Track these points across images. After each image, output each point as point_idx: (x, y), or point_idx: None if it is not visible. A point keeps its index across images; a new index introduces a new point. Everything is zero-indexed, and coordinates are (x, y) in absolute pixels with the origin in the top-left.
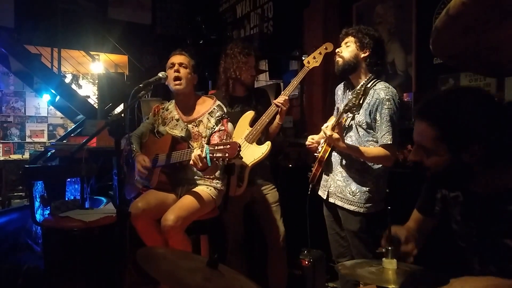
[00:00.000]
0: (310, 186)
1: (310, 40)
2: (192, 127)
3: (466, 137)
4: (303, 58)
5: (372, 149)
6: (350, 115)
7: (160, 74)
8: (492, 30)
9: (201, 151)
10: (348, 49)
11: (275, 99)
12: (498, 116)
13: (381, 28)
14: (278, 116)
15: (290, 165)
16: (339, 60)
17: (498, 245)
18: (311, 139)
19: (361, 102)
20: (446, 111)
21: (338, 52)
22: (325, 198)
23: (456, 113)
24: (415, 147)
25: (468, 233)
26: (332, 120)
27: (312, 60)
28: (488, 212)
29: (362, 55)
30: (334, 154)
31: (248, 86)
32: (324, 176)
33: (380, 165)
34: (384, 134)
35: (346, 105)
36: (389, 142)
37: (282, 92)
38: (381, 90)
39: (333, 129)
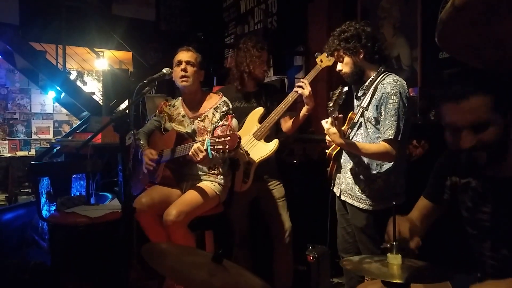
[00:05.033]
0: (332, 182)
1: (314, 35)
2: (198, 122)
3: (510, 99)
4: (316, 55)
5: (370, 145)
6: (333, 115)
7: (164, 70)
8: (498, 22)
9: (202, 143)
10: (345, 63)
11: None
12: None
13: (386, 23)
14: (305, 107)
15: (295, 161)
16: (345, 76)
17: (511, 228)
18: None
19: (338, 102)
20: (490, 76)
21: (340, 70)
22: (338, 195)
23: (501, 77)
24: (465, 132)
25: (481, 218)
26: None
27: (325, 59)
28: (501, 195)
29: (360, 57)
30: (344, 151)
31: (259, 81)
32: (337, 174)
33: (391, 162)
34: (386, 129)
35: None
36: (390, 137)
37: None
38: (388, 85)
39: (332, 124)
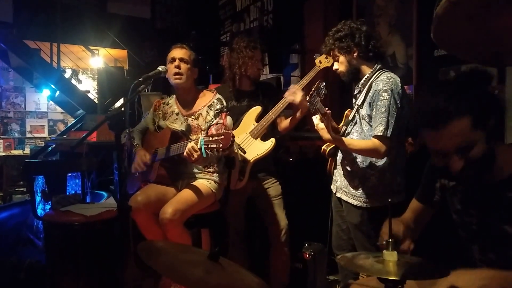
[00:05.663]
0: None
1: (310, 33)
2: (192, 120)
3: (487, 112)
4: (315, 57)
5: (359, 141)
6: (312, 109)
7: (159, 68)
8: (494, 17)
9: (195, 142)
10: (340, 62)
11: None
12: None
13: (381, 21)
14: (297, 113)
15: (291, 159)
16: (341, 75)
17: (497, 232)
18: None
19: (315, 97)
20: (467, 95)
21: (337, 69)
22: (334, 192)
23: (474, 92)
24: (454, 157)
25: (468, 221)
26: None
27: (324, 60)
28: (488, 199)
29: (355, 55)
30: (340, 149)
31: (255, 80)
32: (334, 171)
33: (385, 159)
34: (376, 126)
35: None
36: (379, 134)
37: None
38: (380, 82)
39: (321, 119)
